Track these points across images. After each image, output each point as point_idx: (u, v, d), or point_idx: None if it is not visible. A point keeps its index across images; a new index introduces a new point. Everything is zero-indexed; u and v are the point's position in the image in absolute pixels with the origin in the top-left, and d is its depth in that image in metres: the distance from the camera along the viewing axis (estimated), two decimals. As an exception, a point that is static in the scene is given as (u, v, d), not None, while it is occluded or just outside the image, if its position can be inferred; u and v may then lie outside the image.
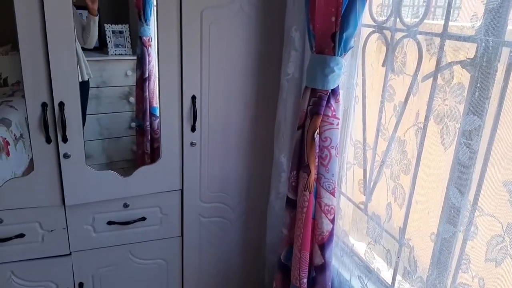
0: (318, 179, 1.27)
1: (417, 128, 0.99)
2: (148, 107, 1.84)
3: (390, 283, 1.20)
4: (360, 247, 1.35)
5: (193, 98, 1.55)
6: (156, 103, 1.82)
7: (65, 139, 1.44)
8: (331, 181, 1.26)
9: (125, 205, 1.61)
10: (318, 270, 1.35)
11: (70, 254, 1.59)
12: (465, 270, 0.89)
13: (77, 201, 1.53)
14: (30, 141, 1.54)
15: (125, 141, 1.92)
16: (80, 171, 1.49)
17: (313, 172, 1.24)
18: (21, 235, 1.50)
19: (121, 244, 1.65)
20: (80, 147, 1.47)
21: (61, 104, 1.40)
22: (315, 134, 1.21)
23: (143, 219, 1.64)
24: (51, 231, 1.54)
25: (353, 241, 1.36)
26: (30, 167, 1.60)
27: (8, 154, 1.58)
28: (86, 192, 1.52)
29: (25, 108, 1.61)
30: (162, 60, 1.47)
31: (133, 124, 1.88)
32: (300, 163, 1.29)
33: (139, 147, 1.88)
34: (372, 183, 1.22)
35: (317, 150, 1.23)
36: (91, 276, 1.65)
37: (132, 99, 1.86)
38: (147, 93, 1.83)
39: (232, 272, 1.87)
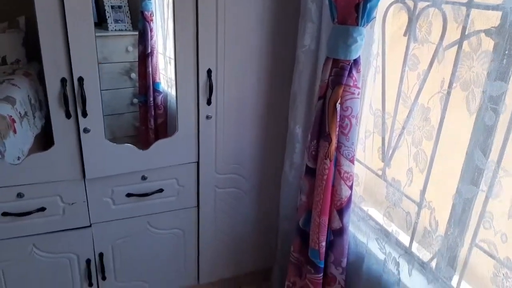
0: (338, 148, 1.32)
1: (442, 95, 1.04)
2: (151, 82, 1.84)
3: (407, 245, 1.28)
4: (376, 212, 1.41)
5: (209, 71, 1.57)
6: (159, 79, 1.83)
7: (84, 114, 1.45)
8: (351, 149, 1.31)
9: (143, 178, 1.64)
10: (336, 234, 1.42)
11: (90, 226, 1.63)
12: (487, 227, 0.95)
13: (97, 174, 1.55)
14: (44, 117, 1.55)
15: (127, 118, 1.92)
16: (100, 145, 1.51)
17: (334, 141, 1.29)
18: (42, 209, 1.53)
19: (139, 215, 1.69)
20: (100, 121, 1.48)
21: (81, 80, 1.40)
22: (337, 104, 1.25)
23: (161, 190, 1.68)
24: (72, 204, 1.56)
25: (369, 207, 1.42)
26: (35, 145, 1.61)
27: (15, 131, 1.58)
28: (105, 166, 1.55)
29: (28, 87, 1.61)
30: (178, 35, 1.48)
31: (135, 100, 1.88)
32: (320, 133, 1.33)
33: (142, 123, 1.89)
34: (391, 150, 1.28)
35: (338, 120, 1.28)
36: (110, 247, 1.70)
37: (134, 75, 1.85)
38: (150, 69, 1.82)
39: (246, 240, 1.93)
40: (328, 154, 1.30)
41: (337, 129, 1.28)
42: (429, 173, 1.14)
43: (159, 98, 1.84)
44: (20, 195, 1.48)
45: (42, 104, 1.79)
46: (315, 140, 1.35)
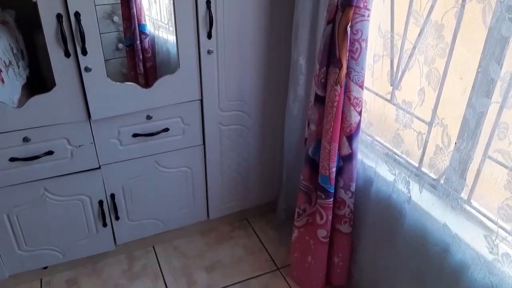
0: (347, 73, 1.31)
1: (456, 10, 1.03)
2: (136, 25, 1.76)
3: (417, 166, 1.33)
4: (384, 138, 1.44)
5: (208, 2, 1.51)
6: (144, 20, 1.75)
7: (84, 52, 1.40)
8: (361, 74, 1.31)
9: (148, 117, 1.62)
10: (345, 160, 1.46)
11: (99, 167, 1.63)
12: (502, 137, 0.99)
13: (102, 115, 1.53)
14: (27, 66, 1.48)
15: (113, 64, 1.84)
16: (102, 84, 1.48)
17: (345, 66, 1.28)
18: (50, 152, 1.52)
19: (147, 155, 1.69)
20: (100, 59, 1.44)
21: (77, 15, 1.34)
22: (347, 27, 1.23)
23: (166, 130, 1.67)
24: (79, 146, 1.55)
25: (376, 133, 1.45)
26: (24, 95, 1.56)
27: (3, 81, 1.53)
28: (109, 106, 1.52)
29: (7, 36, 1.52)
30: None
31: (121, 45, 1.81)
32: (330, 59, 1.32)
33: (131, 68, 1.82)
34: (400, 73, 1.28)
35: (348, 44, 1.26)
36: (121, 187, 1.71)
37: (117, 18, 1.76)
38: (134, 10, 1.73)
39: (252, 175, 1.97)
40: (338, 80, 1.30)
41: (347, 54, 1.27)
42: (441, 91, 1.15)
43: (146, 41, 1.77)
44: (26, 139, 1.46)
45: (24, 54, 1.72)
46: (325, 67, 1.34)
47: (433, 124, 1.19)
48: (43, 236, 1.67)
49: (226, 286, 1.79)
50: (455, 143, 1.12)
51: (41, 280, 1.82)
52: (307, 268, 1.74)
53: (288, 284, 1.81)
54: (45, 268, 1.81)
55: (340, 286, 1.75)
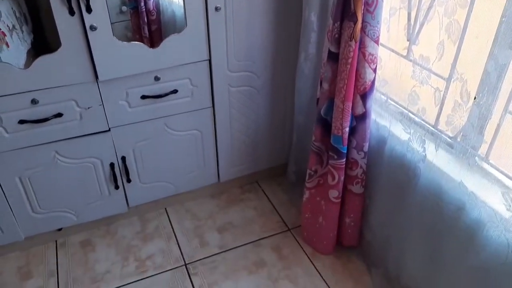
0: (362, 28, 1.26)
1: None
2: None
3: (433, 124, 1.29)
4: (398, 96, 1.40)
5: (215, -45, 1.44)
6: None
7: (89, 9, 1.35)
8: (376, 28, 1.26)
9: (156, 78, 1.59)
10: (359, 119, 1.42)
11: (109, 130, 1.62)
12: (525, 90, 0.95)
13: (109, 76, 1.50)
14: (31, 31, 1.44)
15: (118, 29, 1.79)
16: (109, 43, 1.44)
17: (360, 20, 1.23)
18: (59, 115, 1.50)
19: (156, 118, 1.68)
20: (106, 17, 1.39)
21: (80, -30, 1.29)
22: (363, -23, 1.17)
23: (175, 91, 1.64)
24: (88, 108, 1.54)
25: (391, 91, 1.41)
26: (29, 60, 1.53)
27: (8, 45, 1.49)
28: (117, 66, 1.49)
29: None
30: None
31: (124, 8, 1.74)
32: (344, 13, 1.26)
33: (135, 32, 1.77)
34: (418, 26, 1.23)
35: (363, -4, 1.20)
36: (131, 150, 1.71)
37: None
38: None
39: (262, 137, 1.95)
40: (353, 35, 1.24)
41: (363, 7, 1.21)
42: (461, 44, 1.10)
43: (151, 3, 1.71)
44: (34, 102, 1.44)
45: (27, 18, 1.67)
46: (338, 22, 1.29)
47: (452, 80, 1.15)
48: (56, 198, 1.68)
49: (238, 246, 1.82)
50: (475, 98, 1.08)
51: (56, 241, 1.86)
52: (318, 229, 1.74)
53: (299, 244, 1.83)
54: (59, 230, 1.84)
55: (351, 246, 1.76)
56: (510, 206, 1.06)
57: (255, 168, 2.05)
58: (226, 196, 2.09)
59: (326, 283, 1.65)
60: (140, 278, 1.69)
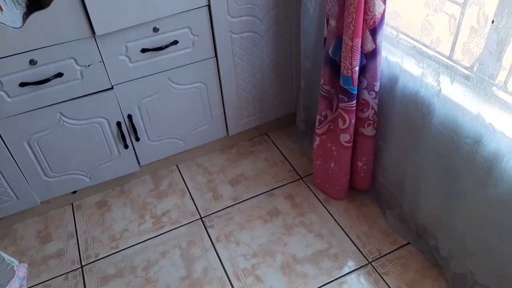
0: (369, -44, 1.17)
1: None
2: None
3: (448, 55, 1.23)
4: (412, 28, 1.33)
5: None
6: None
7: (77, -42, 1.28)
8: (384, -45, 1.17)
9: (155, 29, 1.53)
10: (369, 57, 1.36)
11: (112, 88, 1.59)
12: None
13: (106, 29, 1.44)
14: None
15: None
16: (102, -5, 1.37)
17: None
18: (60, 74, 1.46)
19: (158, 72, 1.63)
20: (95, -35, 1.32)
21: None
22: None
23: (175, 42, 1.58)
24: (88, 66, 1.49)
25: (403, 22, 1.33)
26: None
27: (1, 9, 1.43)
28: (113, 18, 1.43)
29: None
30: None
31: None
32: None
33: None
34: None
35: None
36: (137, 107, 1.68)
37: None
38: None
39: (268, 86, 1.90)
40: (359, -36, 1.16)
41: None
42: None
43: None
44: (33, 62, 1.40)
45: None
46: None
47: (468, 4, 1.07)
48: (67, 161, 1.68)
49: (252, 197, 1.82)
50: (492, 21, 1.01)
51: (72, 204, 1.88)
52: (330, 175, 1.73)
53: (312, 192, 1.82)
54: (74, 192, 1.86)
55: (365, 190, 1.75)
56: (530, 134, 1.02)
57: (263, 119, 2.02)
58: (236, 150, 2.07)
59: (341, 228, 1.66)
60: (157, 234, 1.71)
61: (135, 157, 1.81)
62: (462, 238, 1.33)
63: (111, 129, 1.68)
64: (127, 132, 1.72)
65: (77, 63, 1.47)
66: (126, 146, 1.74)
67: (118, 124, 1.68)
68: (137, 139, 1.75)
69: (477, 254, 1.29)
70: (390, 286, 1.44)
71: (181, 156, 1.99)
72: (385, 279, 1.46)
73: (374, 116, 1.50)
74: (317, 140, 1.69)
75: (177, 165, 2.02)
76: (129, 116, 1.68)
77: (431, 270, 1.48)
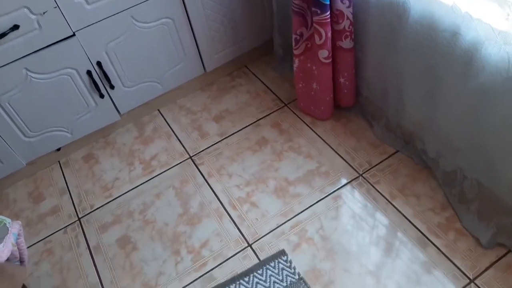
0: None
1: None
2: None
3: None
4: None
5: None
6: None
7: None
8: None
9: (108, -36, 1.42)
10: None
11: (74, 35, 1.50)
12: None
13: (55, -30, 1.34)
14: None
15: None
16: None
17: None
18: (16, 27, 1.38)
19: (120, 11, 1.54)
20: None
21: None
22: None
23: (133, -24, 1.48)
24: (44, 13, 1.40)
25: None
26: None
27: None
28: (59, -43, 1.32)
29: None
30: None
31: None
32: None
33: None
34: None
35: None
36: (105, 53, 1.61)
37: None
38: None
39: (239, 13, 1.82)
40: None
41: None
42: None
43: None
44: (-18, 16, 1.31)
45: None
46: None
47: None
48: (43, 118, 1.63)
49: (238, 131, 1.81)
50: None
51: (59, 162, 1.86)
52: (314, 96, 1.71)
53: (298, 116, 1.81)
54: (59, 150, 1.83)
55: (349, 106, 1.74)
56: (508, 15, 0.98)
57: (239, 50, 1.95)
58: (217, 86, 2.03)
59: (330, 146, 1.67)
60: (149, 178, 1.71)
61: (113, 106, 1.77)
62: (448, 136, 1.34)
63: (82, 79, 1.62)
64: (99, 80, 1.66)
65: (31, 12, 1.38)
66: (101, 96, 1.69)
67: (89, 73, 1.61)
68: (112, 86, 1.69)
69: (464, 149, 1.31)
70: (382, 193, 1.48)
71: (161, 100, 1.95)
72: (376, 188, 1.49)
73: (350, 27, 1.45)
74: (296, 62, 1.65)
75: (158, 110, 1.98)
76: (99, 63, 1.61)
77: (421, 173, 1.51)
